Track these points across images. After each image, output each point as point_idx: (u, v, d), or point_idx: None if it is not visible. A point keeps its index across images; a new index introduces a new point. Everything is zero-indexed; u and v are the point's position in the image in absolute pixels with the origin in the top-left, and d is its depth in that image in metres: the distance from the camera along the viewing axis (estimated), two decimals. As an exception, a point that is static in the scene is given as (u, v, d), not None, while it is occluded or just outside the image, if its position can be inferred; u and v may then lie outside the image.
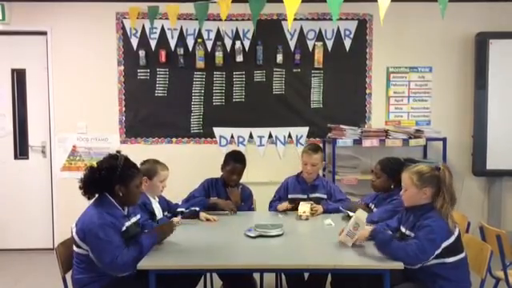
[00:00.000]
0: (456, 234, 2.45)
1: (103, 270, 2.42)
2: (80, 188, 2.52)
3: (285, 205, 3.53)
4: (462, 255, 2.48)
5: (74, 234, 2.47)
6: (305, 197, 3.63)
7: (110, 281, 2.45)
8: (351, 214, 2.99)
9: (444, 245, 2.39)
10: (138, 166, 2.75)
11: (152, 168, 3.11)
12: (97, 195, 2.55)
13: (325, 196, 3.66)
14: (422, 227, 2.44)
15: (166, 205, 3.31)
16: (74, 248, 2.50)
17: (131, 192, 2.56)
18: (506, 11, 4.92)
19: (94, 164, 2.57)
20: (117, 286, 2.46)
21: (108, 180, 2.49)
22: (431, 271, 2.44)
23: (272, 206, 3.70)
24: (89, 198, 2.54)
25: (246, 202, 3.75)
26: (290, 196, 3.69)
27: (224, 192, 3.69)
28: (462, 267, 2.48)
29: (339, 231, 2.67)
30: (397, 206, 2.90)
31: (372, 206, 3.28)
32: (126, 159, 2.59)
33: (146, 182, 3.01)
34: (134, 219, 2.66)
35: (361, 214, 2.59)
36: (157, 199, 3.20)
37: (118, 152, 2.62)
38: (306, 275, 3.44)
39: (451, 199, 2.48)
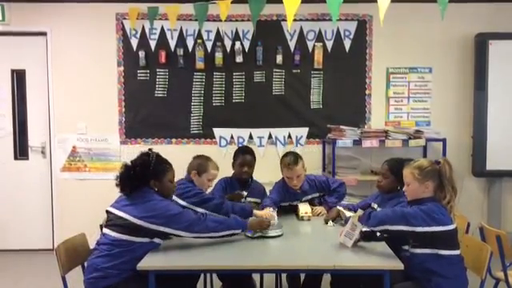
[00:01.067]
0: (454, 225, 2.46)
1: (131, 261, 2.45)
2: (117, 185, 2.65)
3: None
4: (456, 252, 2.49)
5: (135, 219, 2.51)
6: (297, 203, 3.54)
7: (128, 277, 2.47)
8: (348, 214, 2.99)
9: (440, 228, 2.40)
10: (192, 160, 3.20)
11: (204, 164, 3.23)
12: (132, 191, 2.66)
13: (317, 194, 3.61)
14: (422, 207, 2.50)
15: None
16: (116, 234, 2.53)
17: (165, 186, 2.71)
18: (506, 12, 4.92)
19: (129, 162, 2.71)
20: (132, 284, 2.47)
21: (143, 175, 2.64)
22: (426, 267, 2.45)
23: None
24: (126, 195, 2.65)
25: (262, 198, 3.65)
26: (282, 204, 3.54)
27: (239, 190, 3.63)
28: (457, 264, 2.49)
29: (339, 232, 2.68)
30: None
31: (375, 205, 3.25)
32: (158, 155, 2.75)
33: (194, 176, 3.21)
34: None
35: (358, 215, 2.60)
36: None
37: (150, 150, 2.78)
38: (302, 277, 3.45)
39: (454, 192, 2.52)
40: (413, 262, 2.46)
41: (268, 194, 3.67)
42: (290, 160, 3.44)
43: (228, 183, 3.69)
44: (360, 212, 2.66)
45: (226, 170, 3.71)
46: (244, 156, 3.64)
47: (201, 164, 3.23)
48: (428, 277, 2.45)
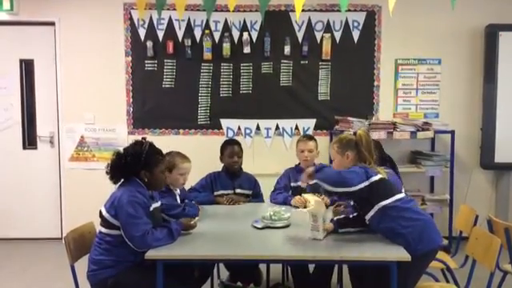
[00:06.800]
0: (381, 175, 2.53)
1: (123, 254, 2.48)
2: (107, 173, 2.61)
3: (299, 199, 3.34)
4: (398, 196, 2.54)
5: (105, 213, 2.53)
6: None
7: (126, 268, 2.49)
8: (303, 210, 2.91)
9: (367, 182, 2.47)
10: None
11: (172, 160, 3.11)
12: (122, 180, 2.63)
13: None
14: None
15: (184, 195, 3.33)
16: (101, 228, 2.57)
17: (156, 177, 2.64)
18: (517, 3, 4.87)
19: (121, 150, 2.65)
20: (132, 274, 2.49)
21: (134, 165, 2.58)
22: (387, 227, 2.51)
23: (276, 198, 3.56)
24: (115, 183, 2.63)
25: (255, 189, 3.72)
26: (292, 184, 3.63)
27: (230, 184, 3.67)
28: (407, 207, 2.54)
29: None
30: None
31: None
32: (151, 145, 2.67)
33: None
34: (156, 204, 2.72)
35: (313, 206, 2.61)
36: (178, 191, 3.20)
37: (144, 139, 2.70)
38: (311, 268, 3.45)
39: (371, 156, 2.63)
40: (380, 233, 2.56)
41: (276, 182, 3.73)
42: (305, 135, 3.89)
43: (216, 177, 3.69)
44: (313, 200, 2.65)
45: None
46: (232, 146, 3.68)
47: (168, 161, 3.05)
48: (394, 238, 2.48)
